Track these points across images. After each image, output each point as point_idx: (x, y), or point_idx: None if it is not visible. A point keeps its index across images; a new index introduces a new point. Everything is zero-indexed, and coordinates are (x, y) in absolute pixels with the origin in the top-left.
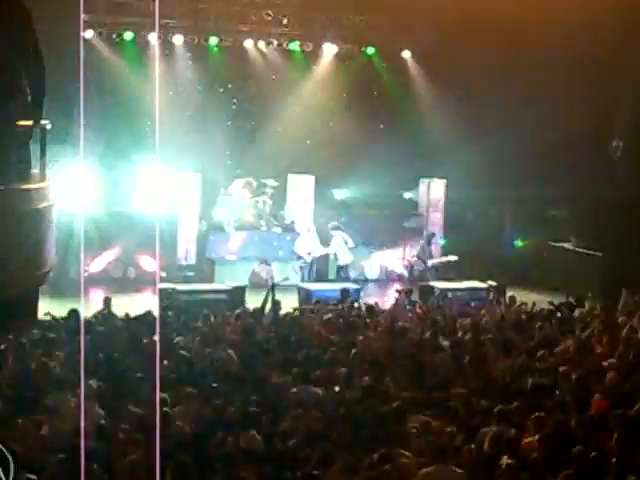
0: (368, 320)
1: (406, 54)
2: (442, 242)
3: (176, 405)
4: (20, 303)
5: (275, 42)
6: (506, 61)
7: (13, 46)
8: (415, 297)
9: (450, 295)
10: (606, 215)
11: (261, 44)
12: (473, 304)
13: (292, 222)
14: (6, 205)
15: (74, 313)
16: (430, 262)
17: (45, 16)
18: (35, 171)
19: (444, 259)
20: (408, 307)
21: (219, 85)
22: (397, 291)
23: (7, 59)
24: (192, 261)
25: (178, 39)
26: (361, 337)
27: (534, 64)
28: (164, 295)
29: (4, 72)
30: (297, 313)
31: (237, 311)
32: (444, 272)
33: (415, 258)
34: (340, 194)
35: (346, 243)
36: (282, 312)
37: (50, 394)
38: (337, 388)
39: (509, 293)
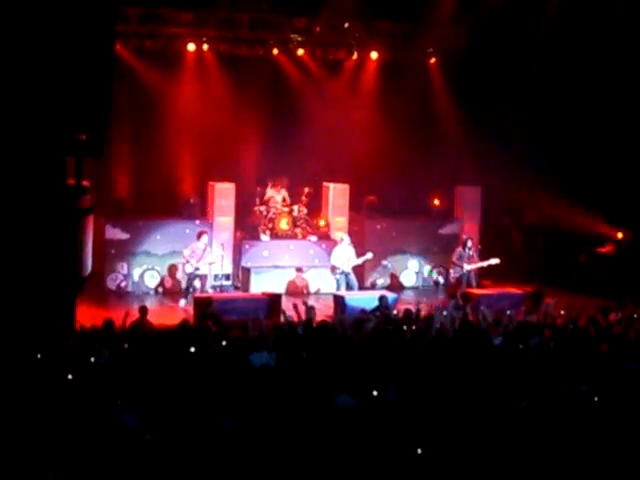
0: (405, 327)
1: (436, 60)
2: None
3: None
4: (58, 311)
5: (308, 50)
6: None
7: None
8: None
9: (484, 303)
10: None
11: (294, 52)
12: (508, 312)
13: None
14: (44, 211)
15: (109, 323)
16: (469, 266)
17: (76, 28)
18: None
19: (485, 263)
20: (445, 313)
21: (253, 94)
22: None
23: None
24: (227, 270)
25: (211, 48)
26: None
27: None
28: (200, 304)
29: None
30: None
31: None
32: (481, 277)
33: (452, 264)
34: (375, 201)
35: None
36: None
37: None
38: (375, 393)
39: (547, 299)
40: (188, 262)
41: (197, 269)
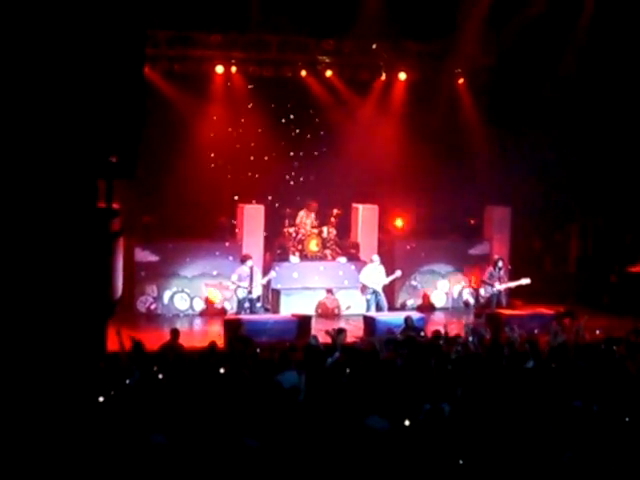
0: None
1: (464, 80)
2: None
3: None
4: (89, 335)
5: (337, 71)
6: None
7: None
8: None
9: (514, 323)
10: None
11: (322, 73)
12: (536, 331)
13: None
14: (76, 235)
15: (138, 345)
16: (500, 286)
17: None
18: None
19: (516, 282)
20: (471, 338)
21: (281, 116)
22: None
23: None
24: (257, 292)
25: (239, 70)
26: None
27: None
28: (230, 326)
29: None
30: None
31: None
32: (511, 297)
33: (483, 283)
34: (404, 222)
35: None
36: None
37: None
38: (407, 422)
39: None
40: (239, 287)
41: (250, 292)
